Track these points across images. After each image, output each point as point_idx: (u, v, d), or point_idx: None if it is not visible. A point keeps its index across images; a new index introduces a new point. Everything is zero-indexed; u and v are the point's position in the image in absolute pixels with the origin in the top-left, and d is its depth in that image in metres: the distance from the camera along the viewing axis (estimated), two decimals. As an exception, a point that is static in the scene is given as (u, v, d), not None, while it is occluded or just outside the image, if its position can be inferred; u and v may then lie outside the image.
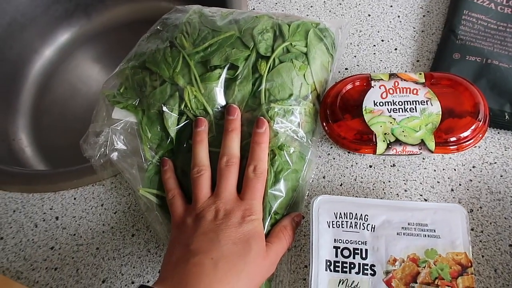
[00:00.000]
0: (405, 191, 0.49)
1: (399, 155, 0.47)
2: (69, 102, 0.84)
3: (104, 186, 0.54)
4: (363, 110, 0.47)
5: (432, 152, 0.44)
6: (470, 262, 0.41)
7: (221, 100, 0.47)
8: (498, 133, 0.51)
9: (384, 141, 0.45)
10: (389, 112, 0.46)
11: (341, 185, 0.50)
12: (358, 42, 0.60)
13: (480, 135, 0.45)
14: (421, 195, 0.49)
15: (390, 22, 0.61)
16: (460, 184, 0.49)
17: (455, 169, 0.50)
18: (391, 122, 0.45)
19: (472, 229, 0.46)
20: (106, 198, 0.53)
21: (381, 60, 0.58)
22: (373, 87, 0.48)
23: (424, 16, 0.61)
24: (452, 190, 0.48)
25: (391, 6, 0.62)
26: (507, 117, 0.50)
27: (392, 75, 0.48)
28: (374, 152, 0.45)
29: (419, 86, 0.47)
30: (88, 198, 0.53)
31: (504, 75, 0.51)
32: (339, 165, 0.52)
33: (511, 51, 0.53)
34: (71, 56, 0.88)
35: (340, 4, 0.64)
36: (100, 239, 0.51)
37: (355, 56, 0.59)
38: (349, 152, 0.52)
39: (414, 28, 0.60)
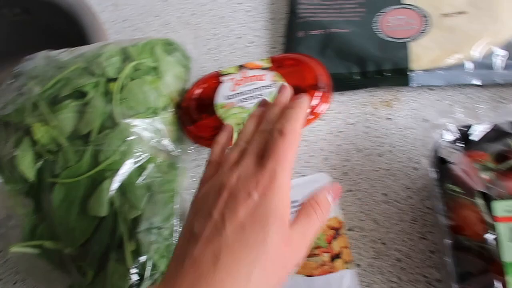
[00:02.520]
0: (284, 173, 0.50)
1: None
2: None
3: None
4: (215, 106, 0.48)
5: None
6: (341, 224, 0.43)
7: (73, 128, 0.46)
8: (355, 94, 0.53)
9: (237, 131, 0.46)
10: (241, 103, 0.47)
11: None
12: (216, 45, 0.61)
13: (326, 102, 0.47)
14: (298, 173, 0.50)
15: (242, 18, 0.63)
16: (331, 152, 0.51)
17: (324, 139, 0.51)
18: (242, 112, 0.47)
19: (350, 190, 0.48)
20: None
21: (240, 57, 0.60)
22: (222, 82, 0.49)
23: (272, 4, 0.63)
24: (325, 159, 0.50)
25: (240, 3, 0.64)
26: (357, 77, 0.52)
27: (240, 67, 0.50)
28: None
29: (265, 71, 0.49)
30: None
31: (345, 40, 0.54)
32: (220, 167, 0.52)
33: (347, 16, 0.56)
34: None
35: (194, 14, 0.65)
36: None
37: (217, 59, 0.60)
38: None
39: (264, 18, 0.62)
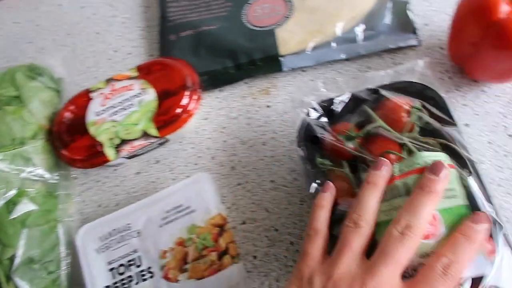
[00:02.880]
0: (173, 180, 0.50)
1: (138, 154, 0.48)
2: None
3: None
4: (87, 125, 0.46)
5: (159, 137, 0.45)
6: (225, 220, 0.42)
7: None
8: (234, 87, 0.53)
9: (111, 146, 0.45)
10: (111, 117, 0.46)
11: (116, 204, 0.49)
12: (95, 62, 0.59)
13: (196, 101, 0.46)
14: (187, 176, 0.49)
15: (118, 31, 0.61)
16: (217, 149, 0.50)
17: (210, 137, 0.51)
18: (114, 126, 0.45)
19: (239, 184, 0.48)
20: None
21: (120, 70, 0.58)
22: (93, 99, 0.48)
23: (145, 12, 0.62)
24: (213, 157, 0.50)
25: (114, 16, 0.63)
26: (232, 71, 0.52)
27: (108, 80, 0.49)
28: (109, 161, 0.45)
29: (133, 80, 0.48)
30: None
31: (215, 36, 0.54)
32: (110, 187, 0.51)
33: (215, 12, 0.56)
34: None
35: (69, 34, 0.63)
36: None
37: (95, 77, 0.58)
38: (115, 170, 0.51)
39: (139, 27, 0.61)
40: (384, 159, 0.33)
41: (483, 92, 0.47)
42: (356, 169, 0.38)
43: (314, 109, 0.42)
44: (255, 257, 0.44)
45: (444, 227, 0.30)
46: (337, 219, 0.34)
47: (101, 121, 0.46)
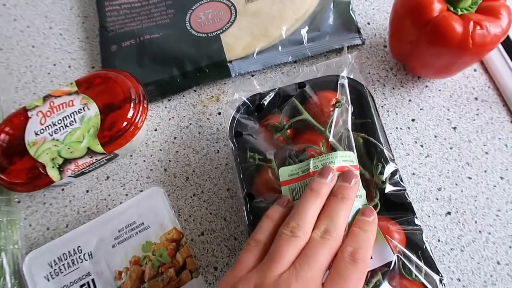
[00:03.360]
0: (126, 195, 0.48)
1: (86, 171, 0.45)
2: None
3: None
4: (27, 145, 0.43)
5: (105, 153, 0.43)
6: (181, 234, 0.41)
7: None
8: (183, 96, 0.52)
9: (53, 167, 0.42)
10: (52, 135, 0.43)
11: (66, 226, 0.47)
12: (32, 77, 0.56)
13: (142, 114, 0.45)
14: (141, 191, 0.47)
15: (55, 43, 0.58)
16: (170, 160, 0.49)
17: (160, 149, 0.49)
18: (56, 145, 0.43)
19: (195, 195, 0.47)
20: None
21: (60, 84, 0.55)
22: (30, 117, 0.45)
23: (83, 23, 0.59)
24: (165, 170, 0.48)
25: (50, 27, 0.60)
26: (179, 79, 0.51)
27: (46, 97, 0.46)
28: (53, 182, 0.43)
29: (73, 96, 0.45)
30: None
31: (159, 45, 0.52)
32: (58, 208, 0.48)
33: (157, 20, 0.54)
34: None
35: (1, 49, 0.59)
36: None
37: (34, 93, 0.55)
38: (62, 190, 0.49)
39: (79, 38, 0.58)
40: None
41: (427, 87, 0.48)
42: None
43: (243, 103, 0.42)
44: (215, 268, 0.43)
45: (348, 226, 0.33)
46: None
47: (41, 140, 0.43)
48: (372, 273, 0.33)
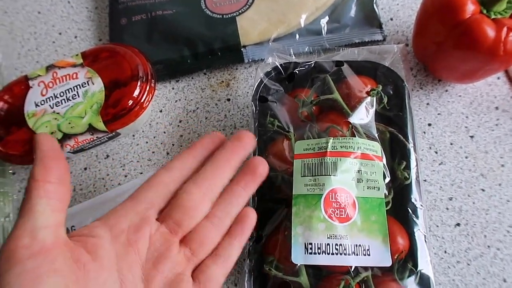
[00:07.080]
0: (125, 176, 0.46)
1: (85, 148, 0.44)
2: None
3: None
4: (25, 116, 0.41)
5: (107, 131, 0.41)
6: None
7: None
8: (192, 78, 0.50)
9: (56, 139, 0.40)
10: (52, 108, 0.41)
11: (60, 203, 0.45)
12: (36, 45, 0.54)
13: (149, 94, 0.43)
14: (141, 173, 0.46)
15: (62, 11, 0.56)
16: (173, 144, 0.47)
17: (164, 132, 0.48)
18: (56, 118, 0.41)
19: (196, 182, 0.45)
20: None
21: (64, 55, 0.53)
22: (31, 87, 0.43)
23: (93, -8, 0.57)
24: (167, 153, 0.47)
25: (59, -6, 0.57)
26: (189, 60, 0.48)
27: (49, 67, 0.44)
28: None
29: (78, 68, 0.43)
30: None
31: (171, 22, 0.50)
32: (53, 183, 0.46)
33: (173, -5, 0.51)
34: None
35: (6, 12, 0.56)
36: None
37: (37, 61, 0.53)
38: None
39: (87, 8, 0.56)
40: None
41: (447, 91, 0.46)
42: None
43: (274, 69, 0.41)
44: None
45: (358, 213, 0.33)
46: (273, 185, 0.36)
47: (41, 112, 0.41)
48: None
